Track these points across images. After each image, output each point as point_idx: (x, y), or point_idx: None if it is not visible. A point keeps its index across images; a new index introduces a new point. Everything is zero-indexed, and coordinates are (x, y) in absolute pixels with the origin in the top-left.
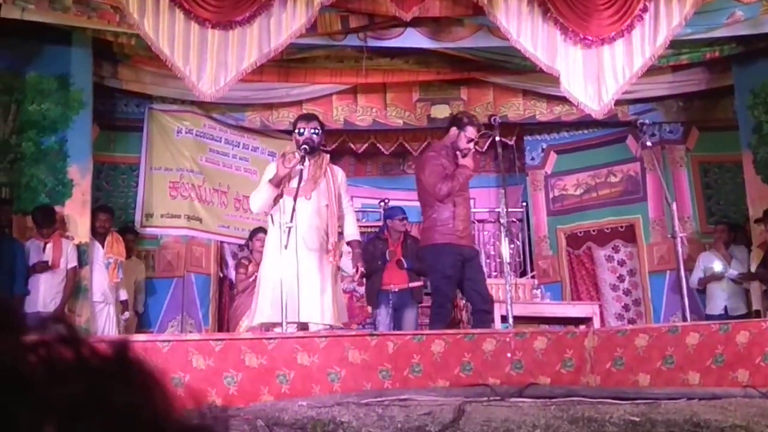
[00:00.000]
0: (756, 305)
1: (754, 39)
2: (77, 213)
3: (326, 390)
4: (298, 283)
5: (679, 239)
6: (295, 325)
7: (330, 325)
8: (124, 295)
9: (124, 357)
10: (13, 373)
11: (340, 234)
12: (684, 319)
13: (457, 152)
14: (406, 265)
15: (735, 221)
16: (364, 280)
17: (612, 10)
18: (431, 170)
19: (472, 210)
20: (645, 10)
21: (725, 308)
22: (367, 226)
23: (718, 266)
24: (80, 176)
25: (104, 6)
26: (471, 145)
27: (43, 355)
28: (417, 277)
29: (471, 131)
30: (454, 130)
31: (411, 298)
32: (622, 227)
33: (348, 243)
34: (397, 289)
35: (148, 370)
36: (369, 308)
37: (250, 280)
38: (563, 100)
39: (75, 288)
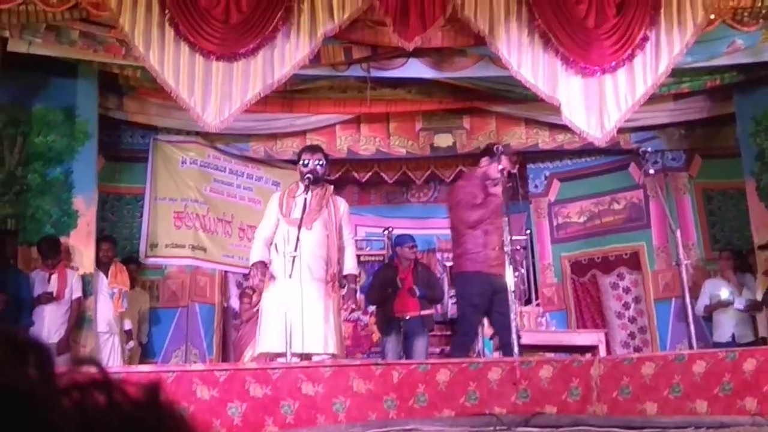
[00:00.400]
0: (763, 332)
1: (754, 67)
2: (82, 243)
3: (331, 420)
4: (302, 312)
5: (683, 266)
6: (299, 357)
7: (333, 354)
8: (128, 325)
9: (155, 401)
10: (47, 420)
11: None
12: (690, 346)
13: (487, 181)
14: (418, 293)
15: (739, 248)
16: (375, 308)
17: (613, 39)
18: (460, 198)
19: None
20: (646, 39)
21: (733, 335)
22: (371, 255)
23: (724, 293)
24: (85, 207)
25: (110, 39)
26: (502, 174)
27: (76, 400)
28: (428, 305)
29: (503, 161)
30: (485, 159)
31: (422, 326)
32: (626, 254)
33: (344, 276)
34: (408, 317)
35: (179, 415)
36: (376, 336)
37: (254, 309)
38: (566, 128)
39: (79, 318)
